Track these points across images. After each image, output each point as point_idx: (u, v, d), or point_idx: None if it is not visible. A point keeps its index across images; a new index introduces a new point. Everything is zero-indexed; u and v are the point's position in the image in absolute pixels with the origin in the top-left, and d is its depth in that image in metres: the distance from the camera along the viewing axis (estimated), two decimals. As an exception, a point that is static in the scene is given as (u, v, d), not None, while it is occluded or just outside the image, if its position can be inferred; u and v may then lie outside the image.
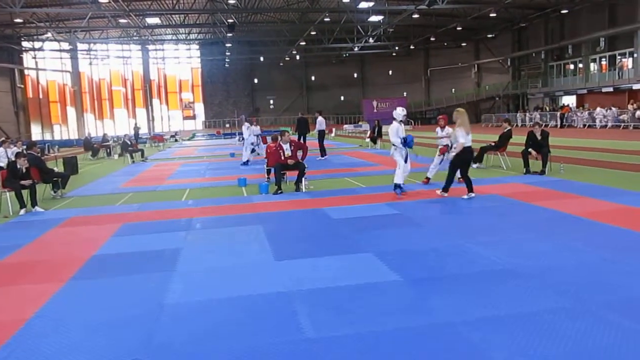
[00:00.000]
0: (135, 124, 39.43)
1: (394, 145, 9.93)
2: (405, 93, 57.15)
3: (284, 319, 4.24)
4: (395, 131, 9.81)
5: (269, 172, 12.59)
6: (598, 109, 33.86)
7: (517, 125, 40.03)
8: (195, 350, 3.77)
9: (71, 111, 52.22)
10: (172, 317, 4.43)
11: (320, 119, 19.41)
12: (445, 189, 9.63)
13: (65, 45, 48.33)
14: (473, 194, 9.34)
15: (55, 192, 12.09)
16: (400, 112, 9.94)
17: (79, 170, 17.98)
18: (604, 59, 39.06)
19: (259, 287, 5.06)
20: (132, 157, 21.61)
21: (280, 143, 11.44)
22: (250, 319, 4.29)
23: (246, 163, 17.92)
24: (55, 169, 12.99)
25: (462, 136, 9.16)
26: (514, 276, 5.03)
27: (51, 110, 50.32)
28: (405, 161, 10.04)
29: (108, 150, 26.36)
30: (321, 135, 19.22)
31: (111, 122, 57.06)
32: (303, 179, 11.34)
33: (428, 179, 11.41)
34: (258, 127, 23.26)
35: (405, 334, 3.85)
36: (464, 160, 9.42)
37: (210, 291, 5.02)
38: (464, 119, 9.26)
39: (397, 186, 9.90)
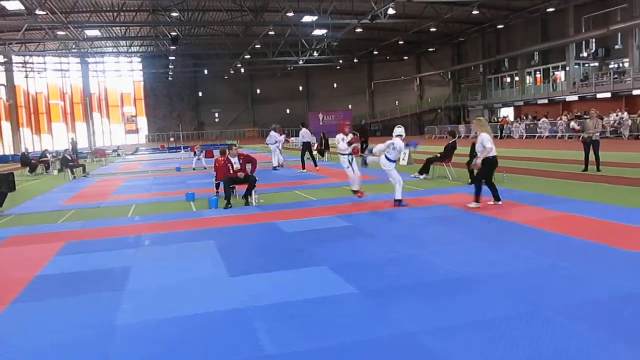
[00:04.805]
0: (73, 139, 38.21)
1: (392, 161, 9.95)
2: (350, 106, 57.89)
3: (243, 336, 4.16)
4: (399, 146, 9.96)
5: (217, 186, 12.44)
6: (543, 119, 34.98)
7: (460, 137, 41.14)
8: (153, 372, 3.65)
9: (6, 126, 49.98)
10: (126, 338, 4.28)
11: (304, 130, 19.35)
12: (497, 197, 9.50)
13: (-1, 58, 46.39)
14: (477, 206, 9.31)
15: (-9, 210, 11.53)
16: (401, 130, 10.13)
17: (17, 187, 17.22)
18: (538, 72, 40.90)
19: (215, 304, 4.96)
20: (73, 173, 20.86)
21: (229, 157, 11.34)
22: (207, 338, 4.19)
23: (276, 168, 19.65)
24: (-8, 187, 12.40)
25: (488, 141, 9.20)
26: (468, 284, 5.14)
27: (-16, 125, 48.07)
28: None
29: (47, 166, 25.38)
30: (306, 147, 19.08)
31: (49, 137, 55.06)
32: (253, 192, 11.27)
33: (358, 192, 10.96)
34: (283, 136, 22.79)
35: (367, 346, 3.85)
36: (492, 166, 9.41)
37: (164, 310, 4.87)
38: (487, 127, 9.60)
39: (399, 201, 9.89)
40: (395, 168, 10.05)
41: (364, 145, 24.66)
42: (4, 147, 47.97)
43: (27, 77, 52.79)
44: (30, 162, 25.22)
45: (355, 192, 10.95)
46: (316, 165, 18.70)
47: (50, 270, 6.60)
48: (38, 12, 29.39)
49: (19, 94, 51.78)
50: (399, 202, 9.89)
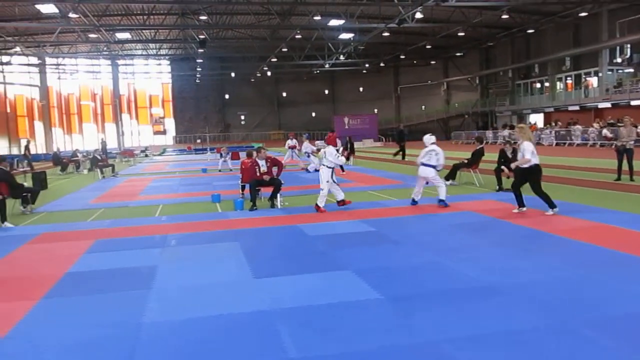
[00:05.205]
0: (102, 139, 38.87)
1: (431, 166, 10.36)
2: (375, 110, 57.71)
3: (266, 339, 4.18)
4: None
5: (243, 188, 12.52)
6: (576, 126, 34.05)
7: (487, 143, 40.66)
8: (178, 372, 3.69)
9: (39, 125, 51.25)
10: (151, 336, 4.34)
11: None
12: (522, 204, 9.38)
13: (33, 60, 47.45)
14: (557, 211, 9.08)
15: (24, 207, 11.80)
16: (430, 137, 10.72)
17: (48, 185, 17.59)
18: (569, 78, 40.15)
19: (239, 305, 5.00)
20: (102, 173, 21.24)
21: (256, 159, 11.41)
22: (231, 339, 4.22)
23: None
24: (25, 184, 12.68)
25: (528, 151, 9.00)
26: (494, 293, 5.07)
27: (18, 124, 49.23)
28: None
29: (77, 165, 25.90)
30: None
31: (80, 136, 56.21)
32: (278, 195, 11.31)
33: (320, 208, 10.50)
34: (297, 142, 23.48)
35: (391, 352, 3.83)
36: (534, 174, 9.14)
37: (189, 310, 4.93)
38: (529, 135, 9.46)
39: (442, 201, 10.40)
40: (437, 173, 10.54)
41: (402, 151, 24.71)
42: (36, 146, 49.07)
43: (59, 78, 53.97)
44: (61, 161, 25.80)
45: (318, 207, 10.44)
46: (343, 170, 18.73)
47: (79, 267, 6.73)
48: (71, 15, 30.02)
49: (51, 95, 53.09)
50: (442, 202, 10.37)
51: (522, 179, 9.34)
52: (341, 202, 10.74)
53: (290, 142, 23.86)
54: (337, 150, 11.28)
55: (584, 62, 38.52)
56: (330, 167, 10.64)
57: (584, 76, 38.40)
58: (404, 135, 26.45)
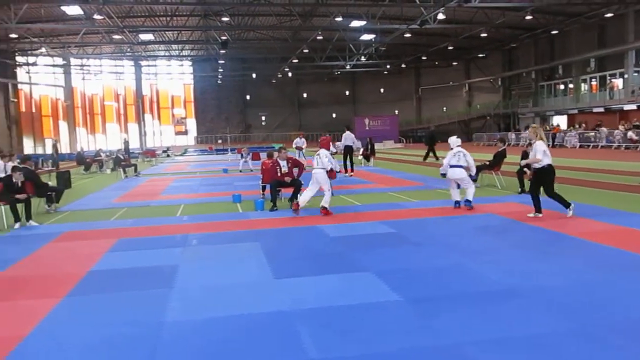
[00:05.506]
0: (125, 139, 39.37)
1: (459, 166, 10.34)
2: (396, 111, 57.47)
3: (286, 339, 4.20)
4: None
5: (264, 188, 12.57)
6: (616, 131, 32.43)
7: (510, 144, 40.21)
8: (199, 370, 3.71)
9: (63, 125, 52.13)
10: (173, 335, 4.38)
11: (347, 133, 19.35)
12: (538, 209, 9.17)
13: (58, 60, 48.30)
14: (573, 208, 9.00)
15: (49, 206, 12.00)
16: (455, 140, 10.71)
17: (72, 185, 17.84)
18: (594, 80, 39.55)
19: (260, 305, 5.02)
20: (124, 172, 21.50)
21: (278, 160, 11.45)
22: (252, 339, 4.24)
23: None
24: (49, 183, 12.89)
25: (538, 152, 8.89)
26: (515, 296, 5.02)
27: (43, 124, 50.19)
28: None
29: (100, 164, 26.26)
30: (347, 150, 18.97)
31: (103, 136, 57.01)
32: (298, 195, 11.32)
33: (298, 204, 10.54)
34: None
35: (411, 354, 3.82)
36: (546, 175, 9.03)
37: (210, 309, 4.97)
38: (542, 134, 9.27)
39: (469, 202, 10.32)
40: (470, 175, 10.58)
41: (432, 153, 24.60)
42: (60, 146, 49.88)
43: (83, 78, 54.81)
44: (85, 161, 26.19)
45: (325, 208, 10.28)
46: (352, 170, 18.67)
47: (102, 266, 6.82)
48: (95, 16, 30.47)
49: (75, 95, 53.94)
50: (468, 203, 10.26)
51: (538, 181, 9.22)
52: (324, 210, 10.31)
53: (299, 141, 23.82)
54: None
55: (609, 63, 37.92)
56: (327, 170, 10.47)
57: (609, 78, 37.79)
58: (434, 137, 26.26)
